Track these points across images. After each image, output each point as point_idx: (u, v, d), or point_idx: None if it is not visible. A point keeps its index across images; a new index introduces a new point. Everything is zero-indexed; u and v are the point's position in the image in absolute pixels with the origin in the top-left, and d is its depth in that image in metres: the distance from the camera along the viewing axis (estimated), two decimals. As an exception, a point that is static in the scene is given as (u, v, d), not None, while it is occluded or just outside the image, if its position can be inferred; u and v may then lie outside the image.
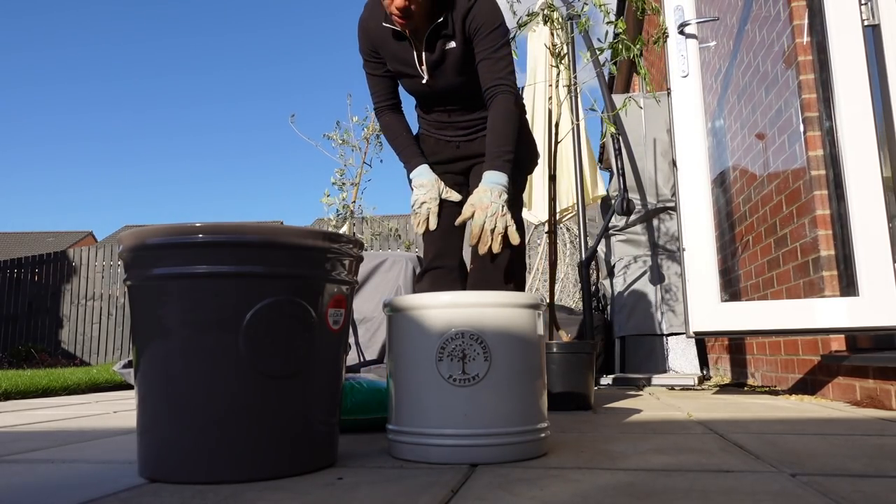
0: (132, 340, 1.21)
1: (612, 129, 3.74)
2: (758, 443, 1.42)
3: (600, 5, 2.28)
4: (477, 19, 1.87)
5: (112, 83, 75.39)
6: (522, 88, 2.20)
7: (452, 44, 1.92)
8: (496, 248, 1.77)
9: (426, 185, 2.03)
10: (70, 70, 74.48)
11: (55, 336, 9.48)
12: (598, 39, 2.42)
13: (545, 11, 2.44)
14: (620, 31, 2.31)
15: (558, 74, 2.50)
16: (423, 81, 1.99)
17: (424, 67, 1.96)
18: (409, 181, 2.10)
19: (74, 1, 74.64)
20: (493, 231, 1.77)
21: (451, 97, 2.04)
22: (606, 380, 3.55)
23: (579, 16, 2.55)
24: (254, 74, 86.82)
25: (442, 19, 1.88)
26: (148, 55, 77.01)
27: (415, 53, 1.96)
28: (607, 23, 2.29)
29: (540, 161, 2.34)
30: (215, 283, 1.12)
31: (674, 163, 2.41)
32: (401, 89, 2.11)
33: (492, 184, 1.82)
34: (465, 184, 2.13)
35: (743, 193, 3.48)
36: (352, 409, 1.67)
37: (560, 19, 2.51)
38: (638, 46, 2.28)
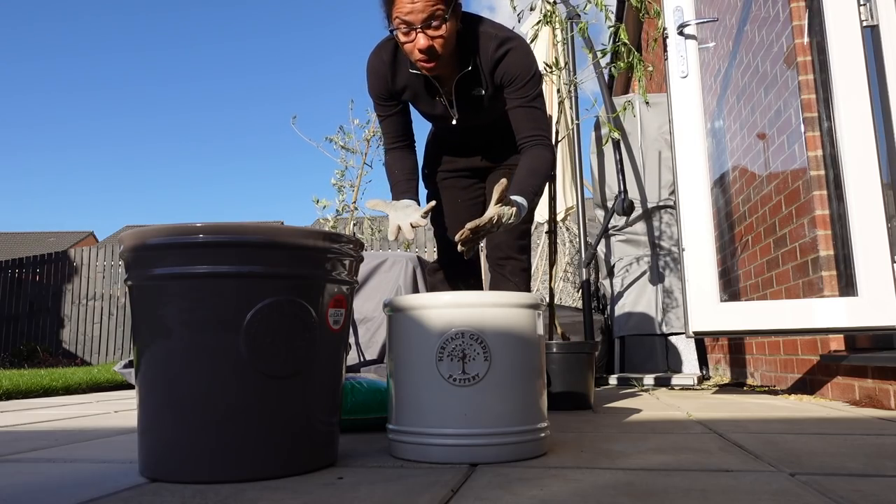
0: (133, 340, 1.21)
1: (616, 134, 3.72)
2: (757, 442, 1.43)
3: (602, 7, 2.28)
4: (511, 71, 1.82)
5: (112, 83, 75.57)
6: None
7: (482, 91, 1.89)
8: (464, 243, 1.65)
9: (398, 206, 1.90)
10: (71, 69, 74.63)
11: (56, 336, 9.48)
12: (602, 44, 2.43)
13: (545, 11, 2.44)
14: (622, 39, 2.31)
15: (558, 78, 2.50)
16: (454, 122, 1.97)
17: (454, 109, 1.94)
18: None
19: (76, 8, 74.76)
20: (488, 229, 1.66)
21: (481, 134, 2.04)
22: (612, 379, 3.56)
23: (579, 16, 2.55)
24: (255, 74, 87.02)
25: (470, 68, 1.85)
26: (150, 57, 77.17)
27: (443, 99, 1.94)
28: (609, 27, 2.29)
29: None
30: (216, 283, 1.12)
31: (672, 163, 2.41)
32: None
33: (516, 204, 1.73)
34: (479, 184, 2.15)
35: (742, 194, 3.48)
36: (352, 409, 1.67)
37: (560, 19, 2.51)
38: (637, 61, 2.30)
